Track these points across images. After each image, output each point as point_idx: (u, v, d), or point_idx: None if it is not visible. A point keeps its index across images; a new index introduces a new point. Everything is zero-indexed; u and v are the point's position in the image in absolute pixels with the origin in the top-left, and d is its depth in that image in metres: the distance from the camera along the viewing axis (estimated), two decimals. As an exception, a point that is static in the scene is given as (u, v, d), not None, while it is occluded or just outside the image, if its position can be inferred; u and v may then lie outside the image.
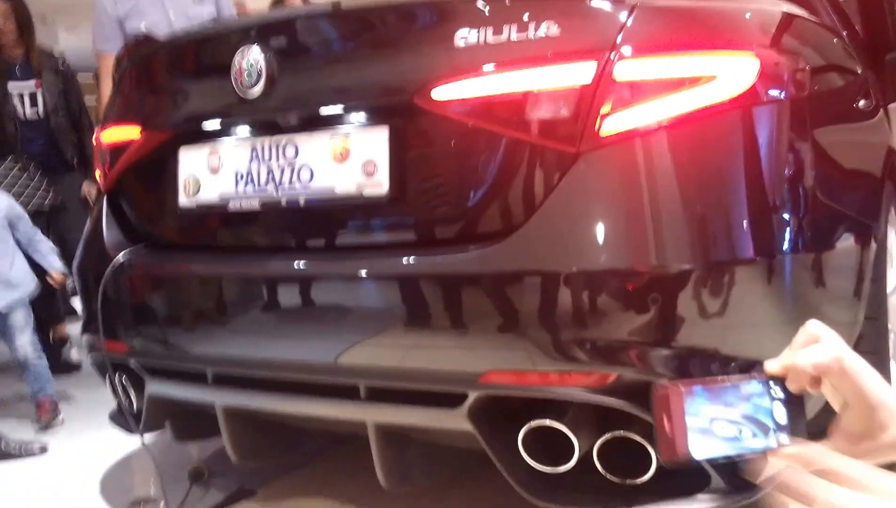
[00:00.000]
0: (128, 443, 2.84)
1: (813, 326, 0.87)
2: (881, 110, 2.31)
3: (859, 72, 2.23)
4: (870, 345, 1.92)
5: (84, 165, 4.57)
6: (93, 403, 3.59)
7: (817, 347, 0.85)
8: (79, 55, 4.88)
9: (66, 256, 4.41)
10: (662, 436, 0.85)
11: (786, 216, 1.62)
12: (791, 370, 0.85)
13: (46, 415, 3.39)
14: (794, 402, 0.86)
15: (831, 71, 2.01)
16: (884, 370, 2.00)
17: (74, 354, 4.53)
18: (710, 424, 0.85)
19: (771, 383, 0.86)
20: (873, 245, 1.89)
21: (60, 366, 4.34)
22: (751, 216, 1.57)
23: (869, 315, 1.90)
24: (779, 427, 0.86)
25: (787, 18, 1.86)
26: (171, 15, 3.61)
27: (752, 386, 0.86)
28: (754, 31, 1.73)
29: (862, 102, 2.14)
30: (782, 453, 0.85)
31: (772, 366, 0.86)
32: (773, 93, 1.64)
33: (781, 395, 0.86)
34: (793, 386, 0.85)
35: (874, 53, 2.62)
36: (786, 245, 1.61)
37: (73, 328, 4.59)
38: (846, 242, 1.78)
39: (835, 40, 2.19)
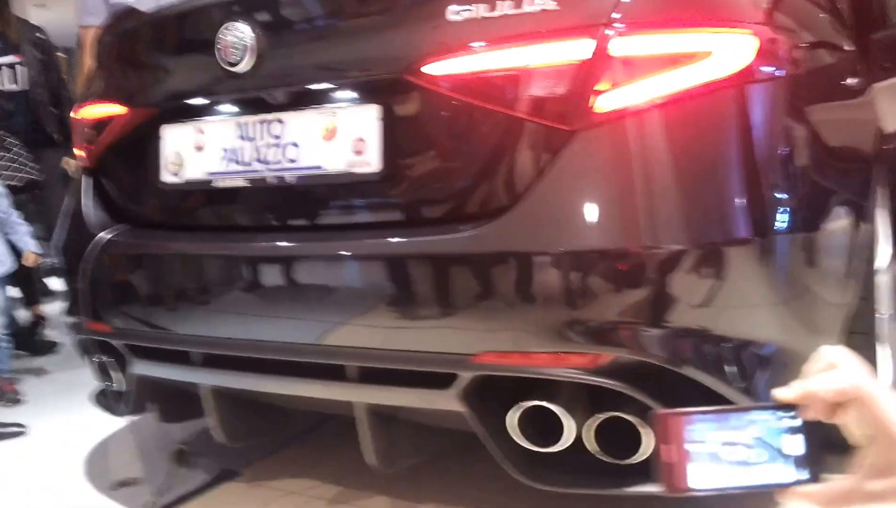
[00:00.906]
0: (107, 424, 2.80)
1: (828, 351, 0.81)
2: (869, 88, 2.31)
3: (848, 49, 2.22)
4: (863, 326, 1.93)
5: (66, 140, 4.48)
6: (70, 383, 3.57)
7: (836, 372, 0.79)
8: (49, 33, 4.76)
9: (49, 232, 4.37)
10: (661, 463, 0.81)
11: (781, 196, 1.60)
12: (808, 397, 0.79)
13: (13, 391, 3.42)
14: (811, 433, 0.80)
15: (824, 47, 2.00)
16: (873, 351, 2.01)
17: (50, 334, 4.48)
18: (717, 455, 0.80)
19: (781, 412, 0.80)
20: (864, 225, 1.89)
21: (37, 346, 4.30)
22: (747, 195, 1.54)
23: (863, 296, 1.90)
24: (793, 461, 0.80)
25: None
26: None
27: (761, 415, 0.80)
28: (750, 7, 1.70)
29: (851, 80, 2.14)
30: (799, 491, 0.80)
31: (785, 394, 0.80)
32: (770, 70, 1.62)
33: (796, 425, 0.80)
34: (809, 415, 0.79)
35: (859, 31, 2.61)
36: (780, 225, 1.60)
37: (48, 308, 4.56)
38: (839, 222, 1.78)
39: (824, 16, 2.18)
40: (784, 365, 1.64)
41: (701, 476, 0.80)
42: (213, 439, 2.15)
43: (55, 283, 5.55)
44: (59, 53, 4.73)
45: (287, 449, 2.56)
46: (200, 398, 2.10)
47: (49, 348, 4.33)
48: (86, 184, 2.24)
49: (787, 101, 1.66)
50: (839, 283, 1.80)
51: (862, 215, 1.89)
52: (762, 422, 0.80)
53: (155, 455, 2.53)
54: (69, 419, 3.10)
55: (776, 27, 1.69)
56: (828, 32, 2.11)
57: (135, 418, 2.58)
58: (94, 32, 3.76)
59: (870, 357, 1.99)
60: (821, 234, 1.70)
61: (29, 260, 3.74)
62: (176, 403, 2.31)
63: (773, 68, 1.63)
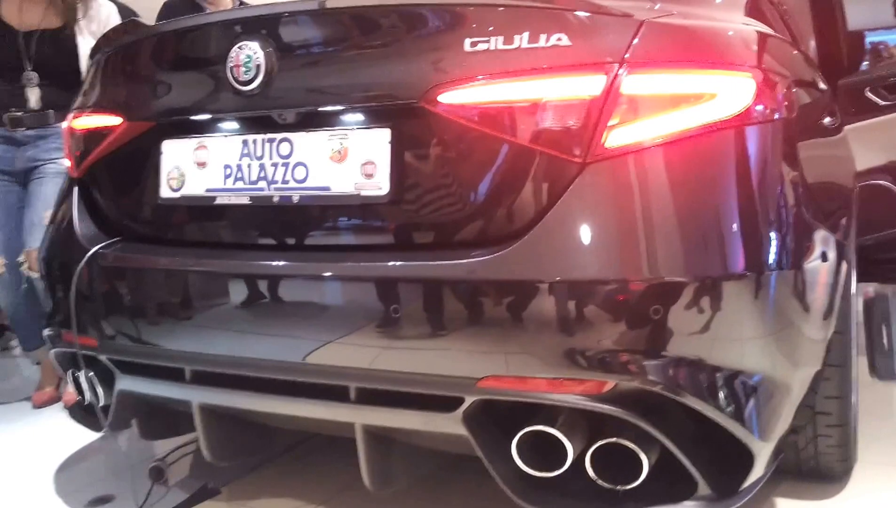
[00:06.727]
0: (73, 438, 2.77)
1: None
2: (843, 127, 2.42)
3: (825, 90, 2.32)
4: (837, 358, 2.00)
5: None
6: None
7: None
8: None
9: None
10: None
11: (776, 233, 1.67)
12: None
13: None
14: None
15: (808, 89, 2.09)
16: (847, 382, 2.08)
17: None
18: None
19: None
20: (845, 263, 1.97)
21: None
22: (745, 232, 1.62)
23: (837, 330, 1.97)
24: None
25: (768, 38, 1.92)
26: None
27: None
28: (745, 49, 1.77)
29: (831, 119, 2.24)
30: None
31: None
32: (767, 112, 1.69)
33: None
34: None
35: (828, 77, 2.72)
36: (773, 261, 1.66)
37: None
38: (825, 259, 1.84)
39: (803, 60, 2.27)
40: (770, 394, 1.71)
41: None
42: (191, 456, 2.13)
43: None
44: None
45: (266, 467, 2.55)
46: (183, 416, 2.09)
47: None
48: (75, 195, 2.22)
49: (781, 141, 1.74)
50: (822, 318, 1.86)
51: (844, 252, 1.96)
52: None
53: (129, 471, 2.50)
54: (34, 433, 3.05)
55: (769, 69, 1.77)
56: (809, 73, 2.20)
57: (107, 433, 2.56)
58: None
59: (843, 389, 2.07)
60: (810, 271, 1.76)
61: None
62: (158, 419, 2.29)
63: (768, 109, 1.71)
